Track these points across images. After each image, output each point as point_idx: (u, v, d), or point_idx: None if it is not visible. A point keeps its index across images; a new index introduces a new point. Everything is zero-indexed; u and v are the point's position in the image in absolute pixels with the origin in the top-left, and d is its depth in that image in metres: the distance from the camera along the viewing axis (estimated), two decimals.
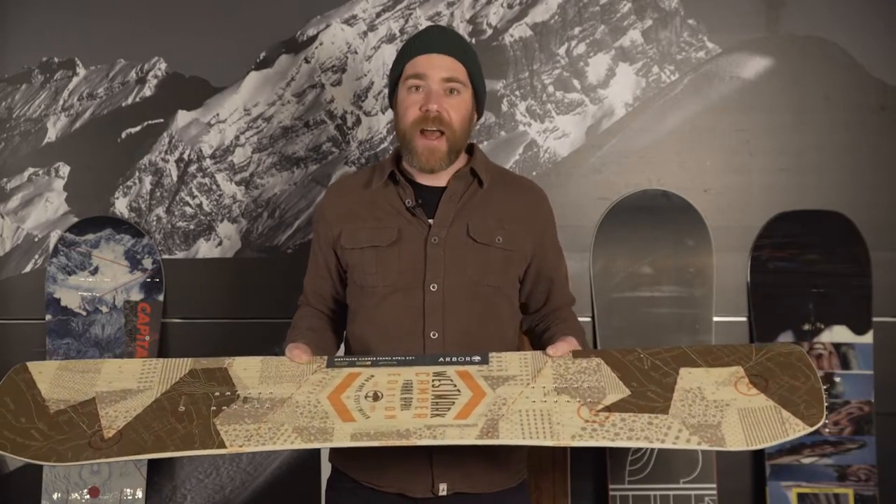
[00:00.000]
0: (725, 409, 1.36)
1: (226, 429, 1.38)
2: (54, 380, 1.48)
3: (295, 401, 1.42)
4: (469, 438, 1.35)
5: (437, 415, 1.38)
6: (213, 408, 1.42)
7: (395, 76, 1.65)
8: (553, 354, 1.48)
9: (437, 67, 1.58)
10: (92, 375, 1.49)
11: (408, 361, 1.48)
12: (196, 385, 1.46)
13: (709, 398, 1.38)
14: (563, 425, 1.36)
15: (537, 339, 1.70)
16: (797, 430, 1.33)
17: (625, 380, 1.42)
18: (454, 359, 1.48)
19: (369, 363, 1.48)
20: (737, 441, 1.32)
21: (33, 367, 1.51)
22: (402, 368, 1.46)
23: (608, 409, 1.38)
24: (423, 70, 1.59)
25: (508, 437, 1.35)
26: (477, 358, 1.48)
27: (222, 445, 1.36)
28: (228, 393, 1.44)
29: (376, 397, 1.41)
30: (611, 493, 2.28)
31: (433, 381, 1.44)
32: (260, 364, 1.50)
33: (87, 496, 2.34)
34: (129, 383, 1.47)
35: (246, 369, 1.49)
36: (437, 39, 1.63)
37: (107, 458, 1.37)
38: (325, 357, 1.51)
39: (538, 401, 1.40)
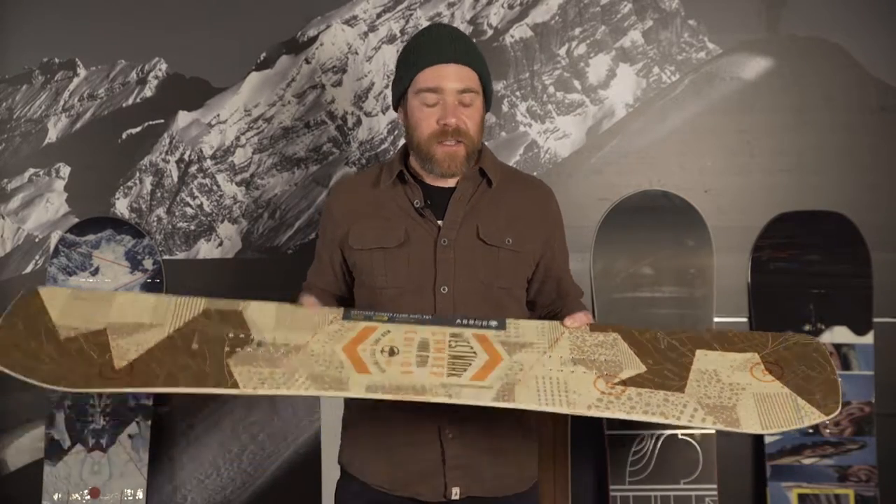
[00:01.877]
0: (741, 393, 1.36)
1: (239, 370, 1.37)
2: (66, 307, 1.45)
3: (310, 349, 1.42)
4: (485, 400, 1.35)
5: (454, 374, 1.38)
6: (227, 349, 1.40)
7: (406, 83, 1.60)
8: (570, 325, 1.48)
9: (453, 79, 1.55)
10: (104, 305, 1.46)
11: (425, 320, 1.47)
12: (210, 325, 1.44)
13: (724, 381, 1.39)
14: (580, 394, 1.36)
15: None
16: (812, 417, 1.33)
17: (641, 356, 1.42)
18: (471, 321, 1.47)
19: (386, 318, 1.47)
20: (752, 424, 1.33)
21: (45, 293, 1.46)
22: (419, 327, 1.46)
23: (624, 382, 1.38)
24: (438, 83, 1.55)
25: (524, 401, 1.35)
26: (494, 322, 1.48)
27: (236, 386, 1.35)
28: (242, 335, 1.43)
29: (392, 352, 1.41)
30: (611, 493, 2.28)
31: (450, 341, 1.43)
32: (275, 310, 1.48)
33: (88, 496, 2.34)
34: (141, 317, 1.44)
35: (261, 312, 1.47)
36: (448, 47, 1.58)
37: (117, 388, 1.36)
38: (341, 308, 1.50)
39: (555, 369, 1.40)
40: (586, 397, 1.36)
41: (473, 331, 1.46)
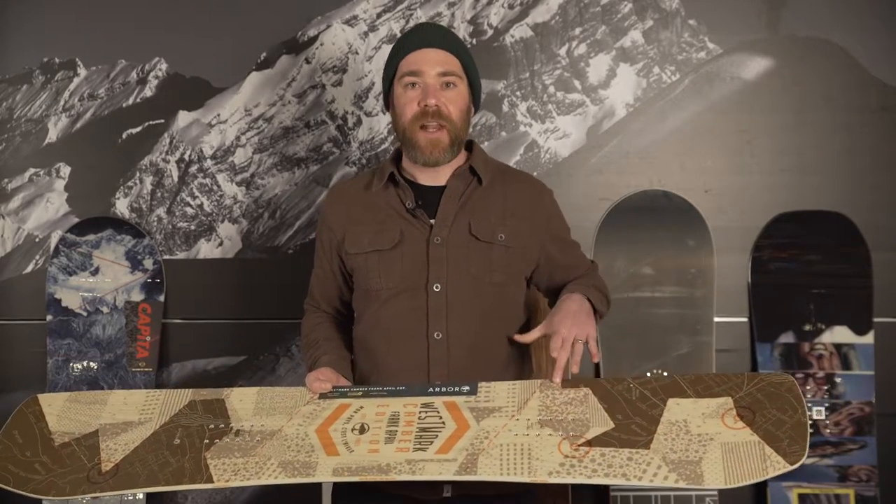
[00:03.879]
0: (709, 444, 1.36)
1: (215, 462, 1.43)
2: (62, 412, 1.55)
3: (284, 434, 1.46)
4: (447, 474, 1.37)
5: (419, 449, 1.40)
6: (206, 441, 1.47)
7: (390, 75, 1.66)
8: (521, 340, 1.53)
9: (432, 62, 1.59)
10: (98, 407, 1.56)
11: (398, 392, 1.50)
12: (193, 417, 1.52)
13: (693, 432, 1.38)
14: (542, 461, 1.37)
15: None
16: (777, 468, 1.33)
17: (610, 412, 1.42)
18: (443, 389, 1.49)
19: (361, 393, 1.51)
20: (715, 479, 1.32)
21: (44, 399, 1.58)
22: (392, 399, 1.49)
23: (589, 443, 1.38)
24: (417, 66, 1.59)
25: (486, 472, 1.36)
26: (466, 388, 1.49)
27: (210, 480, 1.41)
28: (222, 426, 1.49)
29: (362, 430, 1.44)
30: (612, 493, 2.28)
31: (420, 412, 1.45)
32: (256, 395, 1.55)
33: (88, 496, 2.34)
34: (131, 415, 1.54)
35: (242, 400, 1.54)
36: (428, 34, 1.64)
37: (101, 492, 1.44)
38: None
39: (520, 434, 1.41)
40: (549, 463, 1.36)
41: (444, 398, 1.48)
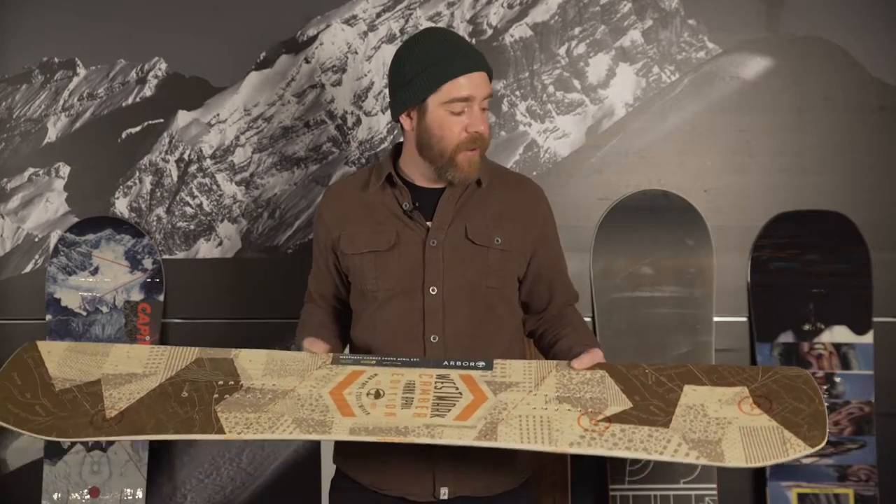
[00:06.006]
0: (727, 427, 1.37)
1: (226, 416, 1.40)
2: (62, 360, 1.51)
3: (297, 393, 1.44)
4: (467, 439, 1.36)
5: (437, 415, 1.39)
6: (216, 395, 1.44)
7: (428, 91, 1.54)
8: (578, 367, 1.48)
9: (480, 86, 1.54)
10: (100, 358, 1.52)
11: (412, 363, 1.49)
12: (201, 373, 1.49)
13: (711, 415, 1.39)
14: (562, 432, 1.37)
15: (547, 348, 1.68)
16: (798, 450, 1.34)
17: (628, 392, 1.43)
18: (459, 363, 1.49)
19: (374, 362, 1.50)
20: (736, 458, 1.33)
21: (43, 346, 1.54)
22: (406, 369, 1.47)
23: (608, 419, 1.38)
24: (469, 93, 1.52)
25: (506, 440, 1.36)
26: (482, 363, 1.49)
27: (221, 431, 1.38)
28: (232, 382, 1.47)
29: (378, 395, 1.43)
30: (611, 493, 2.28)
31: (436, 382, 1.45)
32: (266, 357, 1.52)
33: (88, 496, 2.34)
34: (135, 368, 1.50)
35: (251, 361, 1.51)
36: (473, 56, 1.56)
37: (107, 437, 1.41)
38: (331, 354, 1.53)
39: (539, 407, 1.41)
40: (569, 435, 1.37)
41: (460, 371, 1.47)
